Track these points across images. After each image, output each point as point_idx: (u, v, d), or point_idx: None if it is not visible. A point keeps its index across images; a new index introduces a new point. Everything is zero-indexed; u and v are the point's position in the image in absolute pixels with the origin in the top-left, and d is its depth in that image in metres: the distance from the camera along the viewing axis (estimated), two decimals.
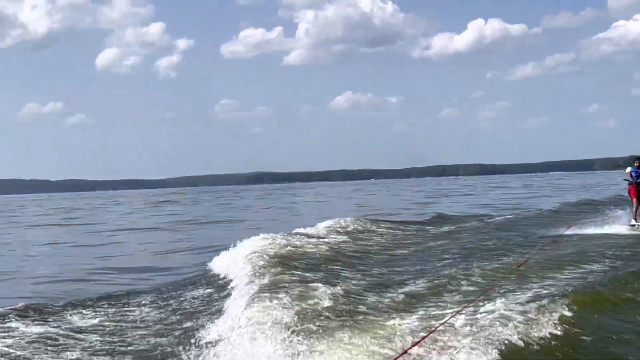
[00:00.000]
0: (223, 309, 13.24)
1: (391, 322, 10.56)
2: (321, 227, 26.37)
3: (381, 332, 9.92)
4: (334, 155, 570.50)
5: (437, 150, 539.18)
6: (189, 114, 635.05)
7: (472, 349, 8.63)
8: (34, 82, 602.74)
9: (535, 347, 8.96)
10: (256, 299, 12.49)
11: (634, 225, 25.34)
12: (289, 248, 19.11)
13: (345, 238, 23.93)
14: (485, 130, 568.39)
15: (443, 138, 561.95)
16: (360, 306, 11.88)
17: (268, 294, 12.73)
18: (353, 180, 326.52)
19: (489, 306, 10.71)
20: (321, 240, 22.29)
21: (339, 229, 26.37)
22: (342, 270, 16.68)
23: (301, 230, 24.87)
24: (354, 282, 14.67)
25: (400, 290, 13.44)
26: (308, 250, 19.43)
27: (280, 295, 12.46)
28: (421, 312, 11.39)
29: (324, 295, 12.53)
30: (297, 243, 20.42)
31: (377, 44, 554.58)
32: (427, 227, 30.15)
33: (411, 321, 10.58)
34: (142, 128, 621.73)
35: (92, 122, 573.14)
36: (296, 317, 10.86)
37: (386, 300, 12.54)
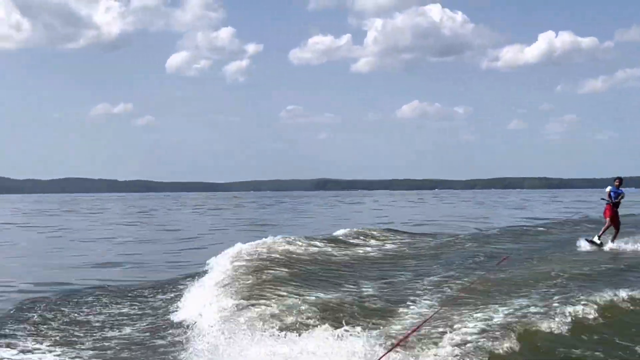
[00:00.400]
0: None
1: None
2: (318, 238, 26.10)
3: None
4: (398, 164, 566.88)
5: (502, 162, 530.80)
6: (256, 119, 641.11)
7: None
8: (105, 82, 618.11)
9: None
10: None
11: (592, 242, 24.88)
12: (272, 252, 19.69)
13: (330, 247, 24.14)
14: (553, 143, 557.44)
15: (509, 150, 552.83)
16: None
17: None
18: (416, 190, 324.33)
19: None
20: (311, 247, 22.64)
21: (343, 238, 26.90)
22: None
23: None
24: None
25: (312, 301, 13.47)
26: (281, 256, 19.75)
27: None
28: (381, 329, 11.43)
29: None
30: (281, 248, 20.82)
31: (446, 54, 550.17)
32: (427, 239, 29.55)
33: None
34: (208, 131, 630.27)
35: (160, 123, 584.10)
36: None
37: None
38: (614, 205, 25.67)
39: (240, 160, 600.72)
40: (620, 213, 25.74)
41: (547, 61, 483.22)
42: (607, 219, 25.71)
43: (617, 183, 26.02)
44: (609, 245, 24.72)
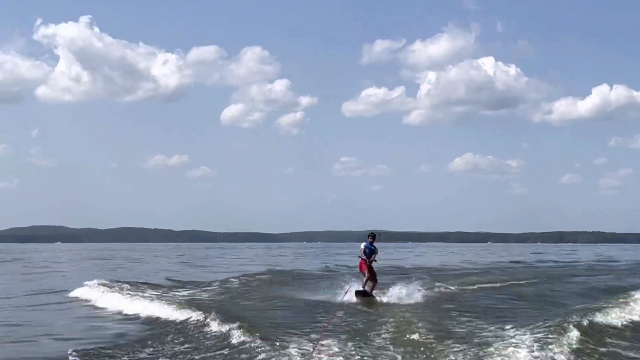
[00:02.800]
0: None
1: None
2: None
3: None
4: (450, 216, 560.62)
5: (556, 216, 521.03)
6: (309, 170, 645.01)
7: None
8: (162, 134, 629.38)
9: None
10: None
11: (361, 292, 26.14)
12: None
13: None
14: (607, 198, 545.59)
15: (563, 204, 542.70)
16: None
17: None
18: (469, 243, 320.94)
19: None
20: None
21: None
22: None
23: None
24: None
25: None
26: None
27: None
28: None
29: None
30: None
31: (499, 107, 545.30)
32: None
33: None
34: (263, 182, 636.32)
35: (215, 174, 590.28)
36: None
37: None
38: (368, 261, 26.51)
39: (294, 211, 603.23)
40: None
41: (601, 115, 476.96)
42: (366, 272, 26.52)
43: (372, 239, 26.81)
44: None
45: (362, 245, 26.87)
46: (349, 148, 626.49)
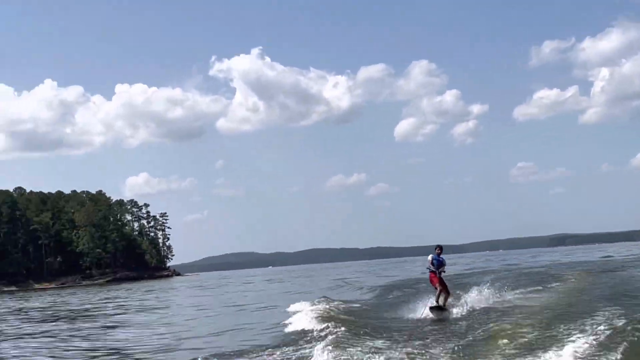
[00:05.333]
0: None
1: None
2: None
3: None
4: (638, 214, 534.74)
5: None
6: (486, 178, 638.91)
7: None
8: (338, 155, 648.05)
9: None
10: None
11: (436, 307, 25.44)
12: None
13: None
14: None
15: None
16: None
17: None
18: None
19: None
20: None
21: None
22: None
23: None
24: None
25: None
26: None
27: None
28: None
29: None
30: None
31: None
32: None
33: None
34: (440, 194, 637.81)
35: (393, 190, 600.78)
36: None
37: None
38: (438, 273, 26.25)
39: (474, 220, 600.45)
40: None
41: None
42: (437, 285, 26.18)
43: (439, 251, 26.71)
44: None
45: (430, 257, 26.86)
46: (524, 152, 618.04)
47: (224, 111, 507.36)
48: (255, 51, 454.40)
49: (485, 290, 29.59)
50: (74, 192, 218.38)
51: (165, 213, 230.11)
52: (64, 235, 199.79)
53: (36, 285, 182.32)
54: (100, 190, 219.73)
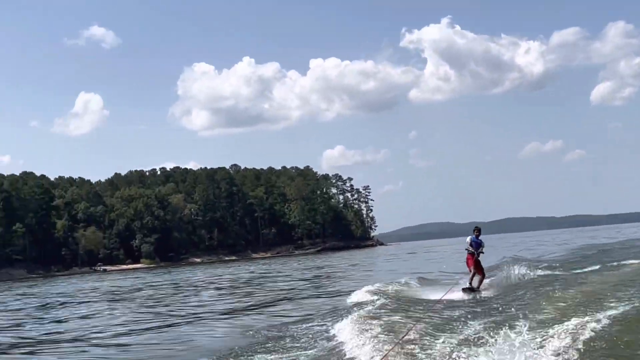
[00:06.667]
0: None
1: None
2: None
3: None
4: None
5: None
6: None
7: None
8: (533, 122, 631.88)
9: None
10: None
11: (468, 289, 25.67)
12: None
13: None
14: None
15: None
16: None
17: None
18: None
19: None
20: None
21: None
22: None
23: None
24: None
25: None
26: None
27: None
28: None
29: None
30: None
31: None
32: None
33: None
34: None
35: (590, 157, 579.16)
36: None
37: None
38: (476, 254, 26.43)
39: None
40: None
41: None
42: (471, 268, 26.37)
43: (477, 233, 26.80)
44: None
45: (468, 238, 26.97)
46: None
47: (416, 82, 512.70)
48: (445, 20, 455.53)
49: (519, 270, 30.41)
50: (283, 167, 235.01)
51: (368, 186, 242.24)
52: (277, 209, 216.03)
53: (253, 255, 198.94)
54: (308, 166, 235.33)
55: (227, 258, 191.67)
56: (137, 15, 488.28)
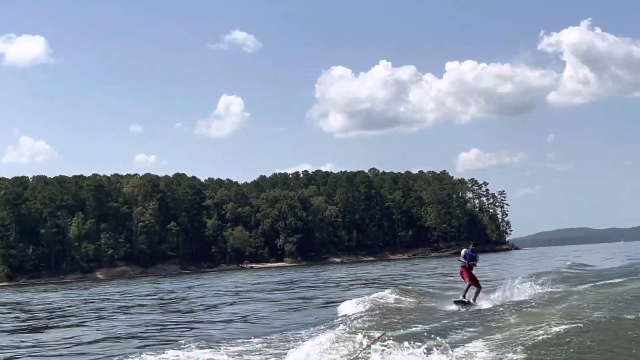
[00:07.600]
0: None
1: None
2: None
3: None
4: None
5: None
6: None
7: None
8: None
9: None
10: None
11: (460, 302, 25.84)
12: None
13: None
14: None
15: None
16: None
17: None
18: None
19: None
20: None
21: None
22: None
23: None
24: None
25: None
26: None
27: None
28: None
29: None
30: None
31: None
32: None
33: None
34: None
35: None
36: None
37: None
38: (469, 268, 26.68)
39: None
40: None
41: None
42: (467, 280, 26.60)
43: (473, 247, 27.35)
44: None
45: (463, 251, 27.30)
46: None
47: (554, 85, 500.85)
48: (584, 23, 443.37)
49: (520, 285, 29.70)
50: (420, 172, 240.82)
51: (504, 191, 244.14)
52: (414, 212, 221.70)
53: (390, 256, 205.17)
54: (444, 170, 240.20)
55: (365, 259, 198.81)
56: (277, 20, 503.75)
